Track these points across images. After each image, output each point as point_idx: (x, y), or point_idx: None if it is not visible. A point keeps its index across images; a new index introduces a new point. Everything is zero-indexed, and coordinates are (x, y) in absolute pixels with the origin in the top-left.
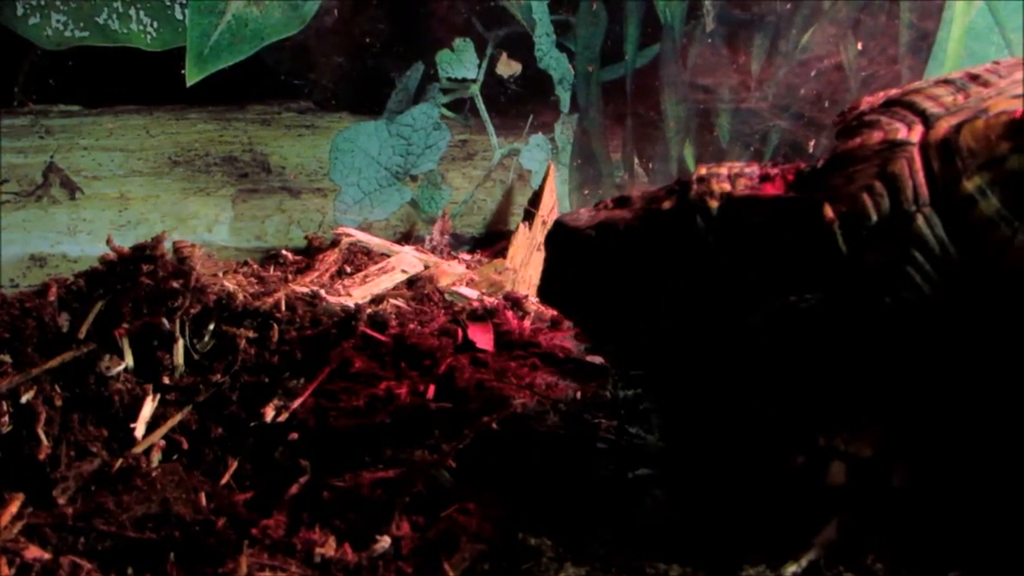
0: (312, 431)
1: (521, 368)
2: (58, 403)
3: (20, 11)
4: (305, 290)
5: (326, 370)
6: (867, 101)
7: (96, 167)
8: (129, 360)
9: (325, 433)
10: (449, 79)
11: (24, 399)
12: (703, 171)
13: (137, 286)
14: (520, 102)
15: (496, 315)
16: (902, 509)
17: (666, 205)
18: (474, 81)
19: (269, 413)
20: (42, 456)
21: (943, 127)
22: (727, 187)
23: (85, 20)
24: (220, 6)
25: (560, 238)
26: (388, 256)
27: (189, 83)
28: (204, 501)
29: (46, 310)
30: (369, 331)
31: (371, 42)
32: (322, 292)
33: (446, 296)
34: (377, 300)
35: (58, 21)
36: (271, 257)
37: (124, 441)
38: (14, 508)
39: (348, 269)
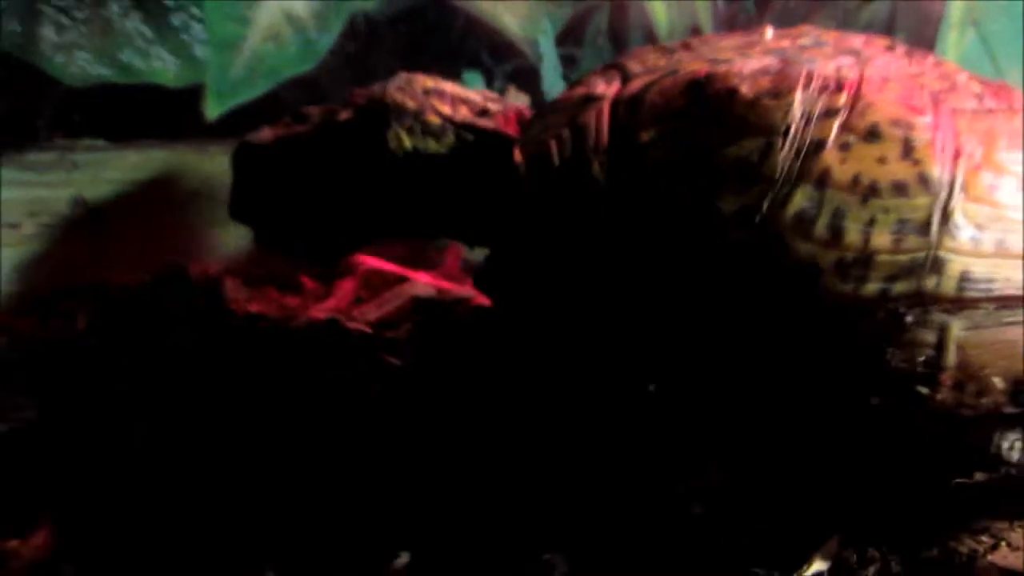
0: None
1: None
2: None
3: (46, 49)
4: (323, 315)
5: None
6: None
7: (121, 199)
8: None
9: None
10: None
11: None
12: (406, 81)
13: (164, 310)
14: None
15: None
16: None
17: (343, 116)
18: None
19: None
20: None
21: (636, 85)
22: (448, 110)
23: (109, 58)
24: (238, 44)
25: (244, 155)
26: (403, 282)
27: (210, 117)
28: None
29: (76, 337)
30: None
31: (382, 76)
32: (340, 318)
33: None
34: (391, 325)
35: (83, 59)
36: (291, 284)
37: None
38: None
39: (364, 295)
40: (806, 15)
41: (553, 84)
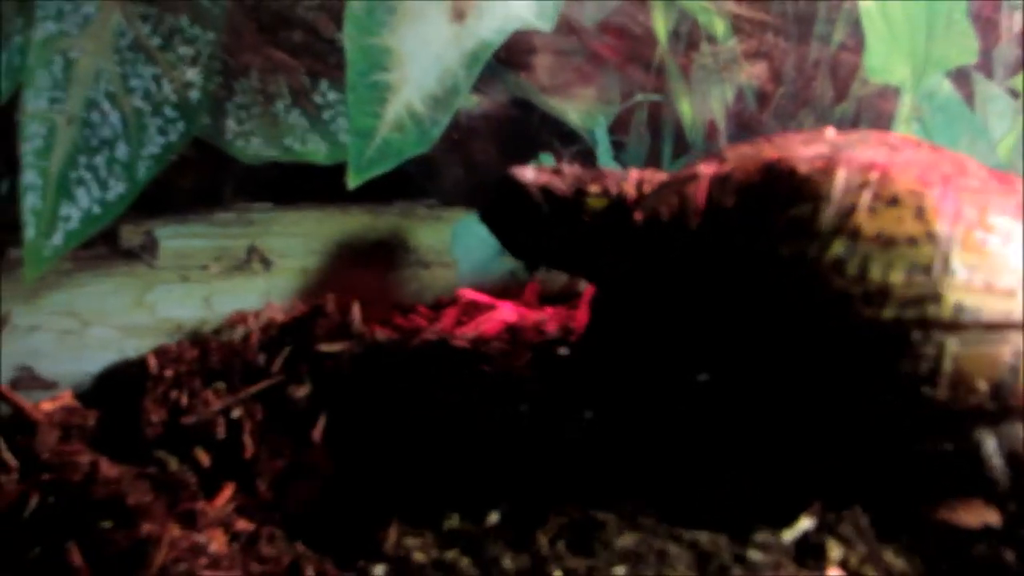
0: None
1: None
2: (258, 418)
3: (229, 136)
4: (434, 336)
5: None
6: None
7: (284, 248)
8: (310, 387)
9: None
10: None
11: (234, 415)
12: (647, 177)
13: (313, 334)
14: None
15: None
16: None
17: (592, 189)
18: None
19: None
20: (247, 455)
21: (727, 166)
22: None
23: (276, 142)
24: (372, 132)
25: (510, 186)
26: (492, 309)
27: (351, 187)
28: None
29: (249, 351)
30: (482, 367)
31: (480, 157)
32: (447, 337)
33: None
34: (485, 342)
35: (256, 144)
36: (409, 312)
37: (305, 444)
38: (228, 493)
39: (464, 320)
40: (794, 112)
41: (606, 163)
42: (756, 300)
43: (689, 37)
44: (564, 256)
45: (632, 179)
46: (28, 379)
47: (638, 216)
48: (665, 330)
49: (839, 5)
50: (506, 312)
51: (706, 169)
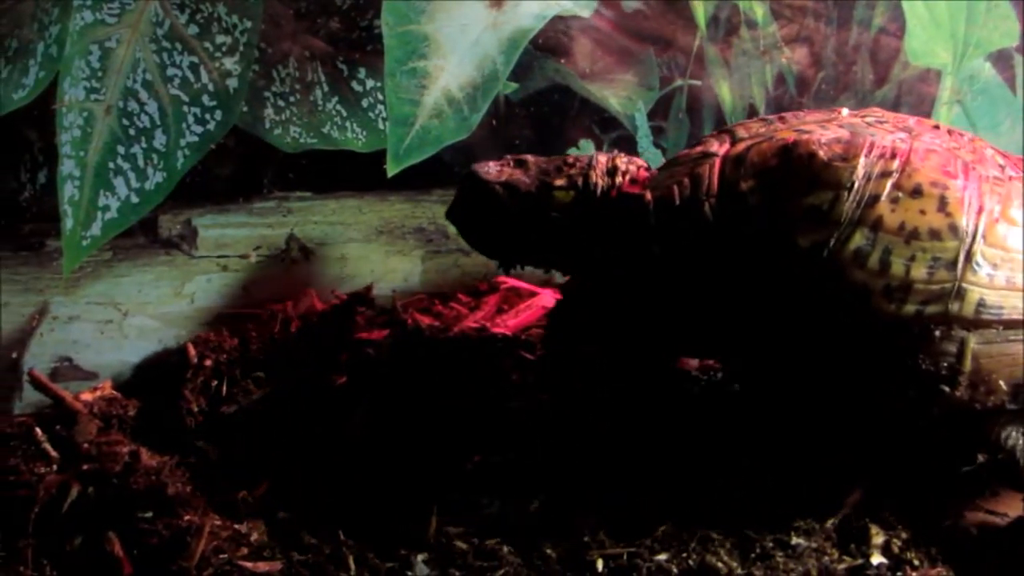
0: None
1: None
2: (298, 406)
3: (267, 125)
4: (475, 324)
5: None
6: None
7: (323, 236)
8: (349, 376)
9: None
10: None
11: (273, 403)
12: (619, 163)
13: (353, 323)
14: None
15: None
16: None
17: (557, 183)
18: None
19: None
20: (287, 444)
21: (741, 146)
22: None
23: (314, 130)
24: (411, 120)
25: (469, 180)
26: (534, 296)
27: (390, 175)
28: None
29: (289, 340)
30: (521, 352)
31: (519, 143)
32: (487, 325)
33: None
34: (526, 329)
35: (295, 132)
36: (450, 300)
37: (346, 433)
38: (268, 483)
39: (505, 307)
40: (835, 97)
41: (646, 148)
42: (772, 289)
43: (729, 22)
44: (536, 251)
45: (600, 166)
46: (68, 369)
47: (647, 197)
48: (676, 318)
49: None
50: (547, 299)
51: (718, 147)
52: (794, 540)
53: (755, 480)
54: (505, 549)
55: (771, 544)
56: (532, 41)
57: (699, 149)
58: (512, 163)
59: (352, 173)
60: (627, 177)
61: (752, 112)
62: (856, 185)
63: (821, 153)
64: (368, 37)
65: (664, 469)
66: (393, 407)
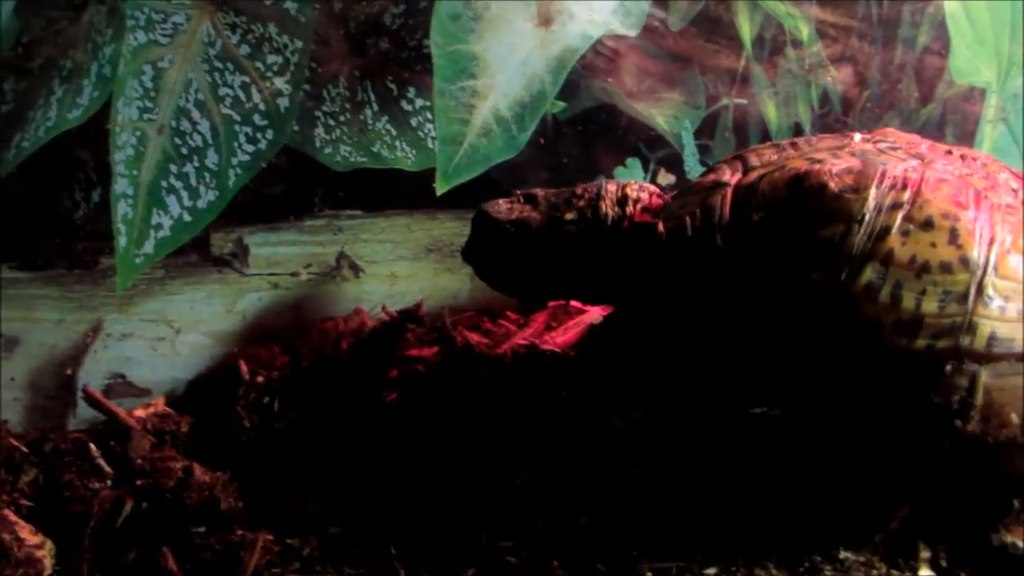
0: None
1: None
2: (350, 423)
3: (318, 144)
4: (524, 342)
5: None
6: None
7: (373, 254)
8: (400, 392)
9: None
10: None
11: (325, 420)
12: (630, 192)
13: (403, 340)
14: None
15: None
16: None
17: (568, 216)
18: None
19: None
20: (338, 460)
21: (753, 176)
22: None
23: (364, 149)
24: (460, 139)
25: (481, 220)
26: (582, 314)
27: (439, 193)
28: None
29: (340, 357)
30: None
31: (567, 162)
32: (536, 342)
33: None
34: (573, 347)
35: (345, 151)
36: (498, 317)
37: (396, 448)
38: (319, 497)
39: (554, 325)
40: (879, 116)
41: (692, 167)
42: (786, 320)
43: (774, 41)
44: (553, 285)
45: (610, 196)
46: (121, 386)
47: (661, 227)
48: (696, 350)
49: (923, 7)
50: (596, 316)
51: (730, 176)
52: (842, 554)
53: (802, 494)
54: (555, 563)
55: (819, 558)
56: (579, 60)
57: (712, 177)
58: (522, 199)
59: (402, 191)
60: (639, 206)
61: (798, 131)
62: (867, 217)
63: (832, 184)
64: (417, 56)
65: (711, 483)
66: (443, 423)
